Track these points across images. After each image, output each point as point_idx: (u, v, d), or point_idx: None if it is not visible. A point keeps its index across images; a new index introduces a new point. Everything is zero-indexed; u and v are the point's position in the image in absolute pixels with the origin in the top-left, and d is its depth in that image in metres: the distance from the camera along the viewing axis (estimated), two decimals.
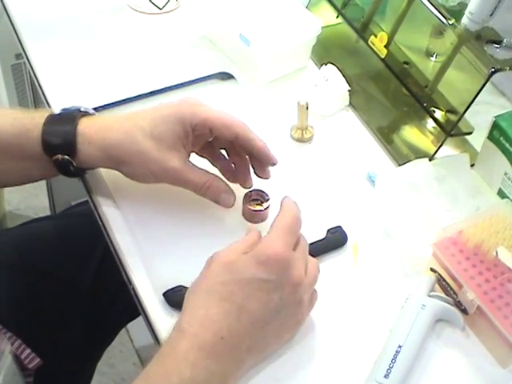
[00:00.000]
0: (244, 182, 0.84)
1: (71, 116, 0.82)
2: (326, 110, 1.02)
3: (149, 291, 0.79)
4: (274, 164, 0.82)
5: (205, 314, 0.67)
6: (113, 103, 0.98)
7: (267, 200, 0.82)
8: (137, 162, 0.79)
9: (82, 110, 0.85)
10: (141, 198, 0.87)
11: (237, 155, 0.84)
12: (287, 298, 0.69)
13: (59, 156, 0.79)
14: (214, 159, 0.86)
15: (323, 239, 0.84)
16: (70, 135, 0.79)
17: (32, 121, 0.81)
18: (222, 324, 0.66)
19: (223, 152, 0.86)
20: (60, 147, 0.79)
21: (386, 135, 1.01)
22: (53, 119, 0.82)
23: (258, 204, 0.82)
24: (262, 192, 0.83)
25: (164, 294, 0.78)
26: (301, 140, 0.98)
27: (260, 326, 0.68)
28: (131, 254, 0.83)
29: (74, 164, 0.80)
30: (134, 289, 0.80)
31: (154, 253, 0.83)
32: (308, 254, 0.74)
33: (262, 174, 0.84)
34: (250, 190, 0.84)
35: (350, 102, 1.04)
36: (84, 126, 0.81)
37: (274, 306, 0.68)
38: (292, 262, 0.69)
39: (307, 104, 0.95)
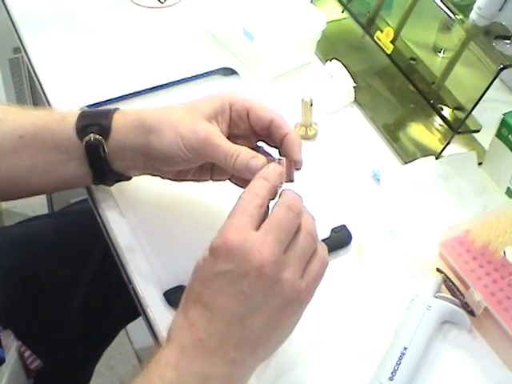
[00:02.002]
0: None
1: (108, 107, 0.83)
2: (331, 107, 1.02)
3: (149, 291, 0.80)
4: (298, 167, 0.77)
5: (183, 317, 0.66)
6: (113, 99, 0.99)
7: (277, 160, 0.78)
8: (167, 127, 0.78)
9: None
10: (141, 196, 0.88)
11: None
12: (256, 283, 0.64)
13: (91, 136, 0.79)
14: None
15: (327, 238, 0.84)
16: (107, 111, 0.81)
17: (69, 112, 0.83)
18: (197, 326, 0.65)
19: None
20: (94, 125, 0.80)
21: (392, 132, 1.01)
22: (91, 109, 0.83)
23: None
24: (269, 154, 0.81)
25: (164, 294, 0.79)
26: (305, 137, 0.98)
27: (238, 320, 0.65)
28: (131, 253, 0.83)
29: (106, 149, 0.80)
30: (133, 288, 0.81)
31: (155, 252, 0.83)
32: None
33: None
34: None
35: (355, 99, 1.05)
36: (121, 110, 0.82)
37: (245, 297, 0.64)
38: (246, 245, 0.64)
39: (311, 100, 0.96)
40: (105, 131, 0.79)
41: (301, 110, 0.97)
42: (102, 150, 0.79)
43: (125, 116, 0.80)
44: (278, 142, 0.78)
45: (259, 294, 0.65)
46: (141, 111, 0.81)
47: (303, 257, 0.68)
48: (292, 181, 0.75)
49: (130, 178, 0.86)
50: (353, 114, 1.04)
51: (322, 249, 0.70)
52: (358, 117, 1.04)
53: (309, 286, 0.68)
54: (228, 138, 0.78)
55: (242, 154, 0.75)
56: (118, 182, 0.85)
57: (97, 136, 0.79)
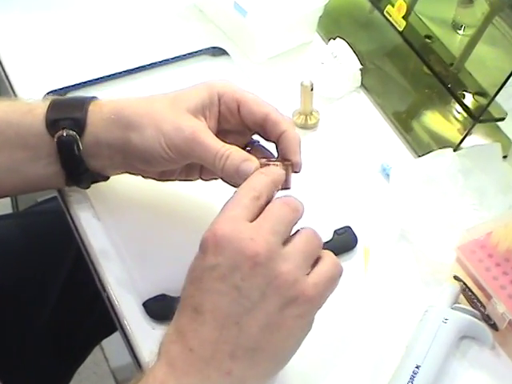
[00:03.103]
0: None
1: (83, 96, 0.84)
2: (334, 92, 1.03)
3: (126, 300, 0.80)
4: (296, 170, 0.78)
5: (174, 327, 0.67)
6: (86, 82, 0.99)
7: (274, 159, 0.78)
8: (148, 123, 0.77)
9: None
10: (119, 196, 0.88)
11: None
12: (251, 275, 0.64)
13: (63, 131, 0.79)
14: None
15: (329, 241, 0.85)
16: (82, 102, 0.81)
17: (37, 102, 0.83)
18: (188, 334, 0.65)
19: None
20: (67, 119, 0.79)
21: (404, 121, 1.02)
22: (63, 98, 0.84)
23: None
24: (265, 149, 0.81)
25: (144, 304, 0.79)
26: (304, 127, 0.99)
27: (233, 322, 0.64)
28: (107, 259, 0.83)
29: (80, 146, 0.80)
30: (108, 298, 0.81)
31: (134, 257, 0.83)
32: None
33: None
34: (249, 149, 0.82)
35: (361, 83, 1.05)
36: (97, 100, 0.82)
37: (239, 292, 0.64)
38: (237, 235, 0.65)
39: (312, 85, 0.96)
40: (79, 126, 0.79)
41: (300, 95, 0.97)
42: (76, 147, 0.79)
43: (101, 108, 0.80)
44: (274, 140, 0.78)
45: (255, 289, 0.65)
46: (119, 102, 0.81)
47: (307, 253, 0.68)
48: (288, 188, 0.75)
49: (107, 178, 0.86)
50: (359, 101, 1.05)
51: (332, 256, 0.71)
52: (365, 103, 1.04)
53: (317, 287, 0.67)
54: (217, 134, 0.78)
55: (233, 155, 0.74)
56: (93, 183, 0.86)
57: (70, 131, 0.79)
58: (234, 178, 0.75)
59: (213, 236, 0.65)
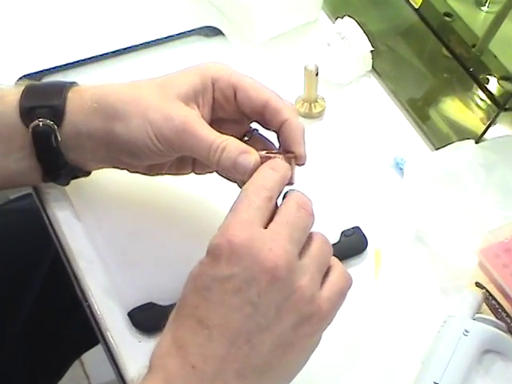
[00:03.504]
0: None
1: (61, 82, 0.83)
2: (342, 77, 1.03)
3: (109, 310, 0.80)
4: (300, 163, 0.77)
5: (171, 338, 0.66)
6: (64, 65, 0.99)
7: (276, 151, 0.78)
8: (135, 112, 0.77)
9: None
10: (100, 191, 0.88)
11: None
12: (269, 290, 0.65)
13: (40, 121, 0.79)
14: None
15: (336, 243, 0.84)
16: (60, 88, 0.80)
17: (9, 88, 0.83)
18: (189, 349, 0.65)
19: None
20: (43, 107, 0.79)
21: (420, 110, 1.02)
22: (38, 84, 0.83)
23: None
24: (265, 139, 0.82)
25: (129, 314, 0.79)
26: (308, 115, 0.99)
27: (244, 340, 0.64)
28: (88, 263, 0.83)
29: (58, 137, 0.79)
30: (90, 307, 0.81)
31: (118, 262, 0.83)
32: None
33: None
34: (247, 139, 0.81)
35: (372, 67, 1.05)
36: (77, 86, 0.82)
37: (254, 309, 0.64)
38: (254, 244, 0.65)
39: (317, 69, 0.96)
40: (57, 114, 0.79)
41: (304, 80, 0.97)
42: (53, 138, 0.79)
43: (82, 94, 0.80)
44: (275, 130, 0.78)
45: (271, 306, 0.65)
46: (102, 88, 0.80)
47: (321, 262, 0.69)
48: (292, 183, 0.75)
49: (88, 174, 0.86)
50: (370, 86, 1.05)
51: (342, 266, 0.71)
52: (377, 89, 1.05)
53: (331, 302, 0.68)
54: (211, 124, 0.77)
55: (229, 147, 0.74)
56: (73, 179, 0.85)
57: (47, 121, 0.79)
58: (231, 173, 0.74)
59: (228, 243, 0.65)
